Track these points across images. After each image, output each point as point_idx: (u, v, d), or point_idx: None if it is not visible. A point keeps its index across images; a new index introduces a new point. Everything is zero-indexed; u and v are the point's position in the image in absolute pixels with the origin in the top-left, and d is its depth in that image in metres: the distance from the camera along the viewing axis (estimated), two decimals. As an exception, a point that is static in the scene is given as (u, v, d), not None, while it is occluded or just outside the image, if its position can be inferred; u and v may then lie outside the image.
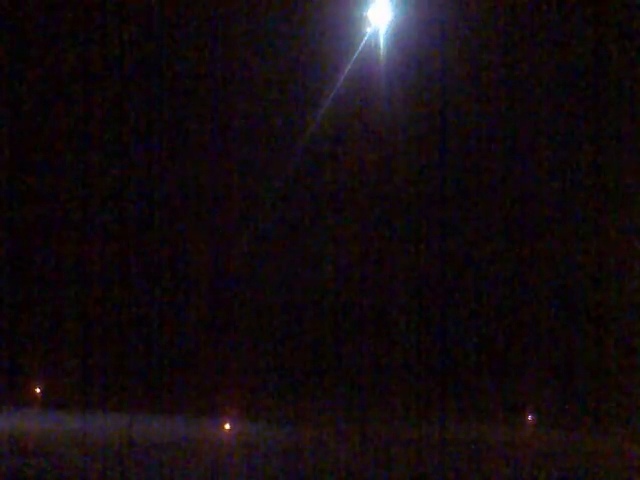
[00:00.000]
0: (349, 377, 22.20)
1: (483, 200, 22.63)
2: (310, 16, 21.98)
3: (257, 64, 22.42)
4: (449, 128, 22.46)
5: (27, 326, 22.46)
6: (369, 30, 21.86)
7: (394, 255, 22.62)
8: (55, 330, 22.48)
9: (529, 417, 21.92)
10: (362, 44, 21.86)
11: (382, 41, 21.97)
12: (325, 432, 19.63)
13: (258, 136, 22.71)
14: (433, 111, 22.49)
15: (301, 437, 19.26)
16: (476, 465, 16.67)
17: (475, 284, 22.60)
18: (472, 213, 22.53)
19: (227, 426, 20.05)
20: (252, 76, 22.58)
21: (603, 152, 22.39)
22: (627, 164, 22.08)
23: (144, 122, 22.76)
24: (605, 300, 22.15)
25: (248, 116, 22.71)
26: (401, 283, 22.62)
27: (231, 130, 22.91)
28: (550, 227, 22.52)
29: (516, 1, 22.24)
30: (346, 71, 21.96)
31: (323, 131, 22.43)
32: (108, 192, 22.73)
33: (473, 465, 16.72)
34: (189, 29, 22.70)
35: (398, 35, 21.99)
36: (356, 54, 21.91)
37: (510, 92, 22.72)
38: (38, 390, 22.36)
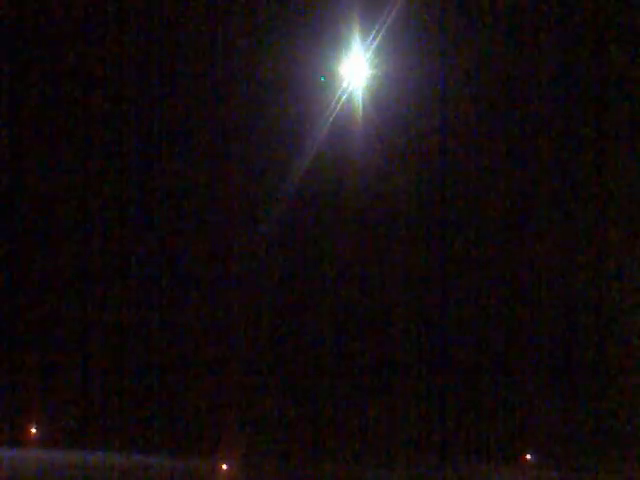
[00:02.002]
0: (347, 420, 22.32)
1: (482, 203, 22.66)
2: (281, 73, 21.53)
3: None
4: (434, 183, 22.25)
5: (22, 364, 22.56)
6: (344, 87, 21.45)
7: (394, 261, 22.72)
8: (51, 368, 22.59)
9: (528, 457, 21.97)
10: (337, 102, 21.47)
11: (358, 98, 21.58)
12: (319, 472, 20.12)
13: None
14: (416, 165, 22.24)
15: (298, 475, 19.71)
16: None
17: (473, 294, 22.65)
18: (472, 213, 22.56)
19: (224, 466, 20.47)
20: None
21: (603, 152, 22.25)
22: (627, 164, 21.96)
23: (136, 125, 22.73)
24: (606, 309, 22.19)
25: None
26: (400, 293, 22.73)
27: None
28: (550, 227, 22.49)
29: (499, 49, 21.69)
30: (322, 131, 21.64)
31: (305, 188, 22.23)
32: (108, 192, 22.79)
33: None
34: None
35: (375, 91, 21.57)
36: (332, 112, 21.56)
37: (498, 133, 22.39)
38: (34, 430, 22.54)
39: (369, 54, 21.22)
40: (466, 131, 22.18)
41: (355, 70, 21.41)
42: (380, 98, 21.59)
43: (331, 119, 21.61)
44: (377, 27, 20.78)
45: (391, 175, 22.01)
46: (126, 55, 22.31)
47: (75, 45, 22.24)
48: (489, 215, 22.39)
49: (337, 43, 21.12)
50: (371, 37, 20.93)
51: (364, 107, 21.56)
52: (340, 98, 21.44)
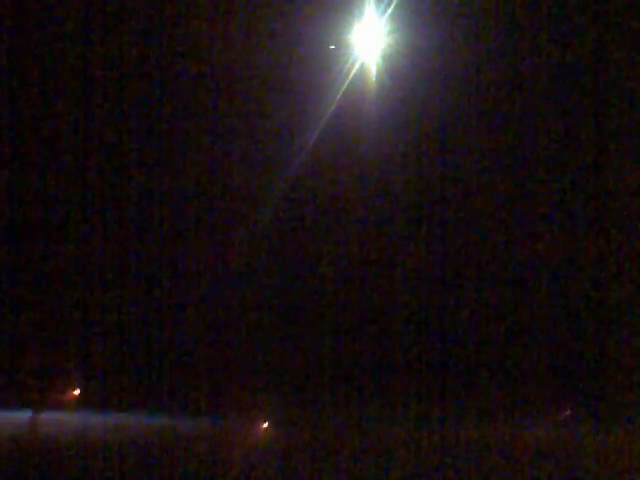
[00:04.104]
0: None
1: (483, 201, 21.60)
2: (286, 41, 19.75)
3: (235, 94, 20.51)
4: (448, 161, 20.58)
5: (64, 329, 21.98)
6: (356, 56, 19.51)
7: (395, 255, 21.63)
8: (89, 332, 21.92)
9: (567, 412, 21.49)
10: (348, 73, 19.52)
11: (372, 69, 19.59)
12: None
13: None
14: (430, 142, 20.45)
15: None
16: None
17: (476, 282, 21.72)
18: (472, 213, 21.56)
19: (265, 425, 20.49)
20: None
21: (603, 152, 21.36)
22: (628, 164, 21.28)
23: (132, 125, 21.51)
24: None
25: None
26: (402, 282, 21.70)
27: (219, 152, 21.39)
28: (550, 227, 21.71)
29: (518, 16, 19.96)
30: (332, 106, 19.68)
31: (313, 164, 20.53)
32: (107, 192, 21.71)
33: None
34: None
35: (391, 62, 19.61)
36: (342, 85, 19.59)
37: (516, 114, 20.76)
38: (76, 392, 22.30)
39: (384, 20, 19.42)
40: (490, 108, 20.46)
41: (368, 38, 19.49)
42: (396, 70, 19.74)
43: (341, 92, 19.73)
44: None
45: (405, 154, 20.27)
46: (123, 54, 21.12)
47: (73, 44, 21.17)
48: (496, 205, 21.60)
49: (348, 7, 19.24)
50: (386, 0, 19.06)
51: (378, 79, 19.69)
52: (351, 69, 19.59)
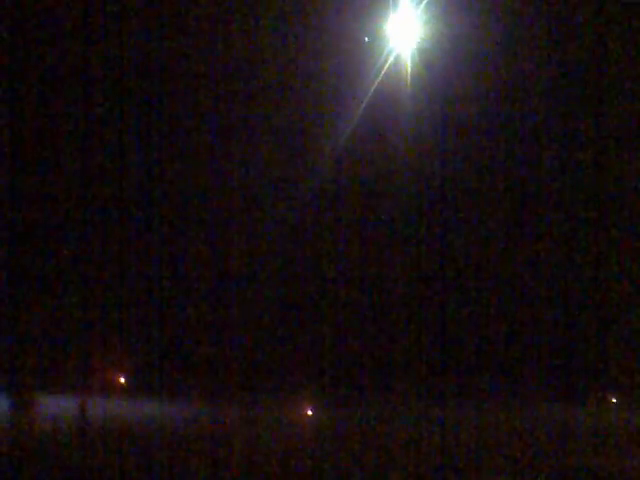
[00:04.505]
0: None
1: (484, 200, 21.26)
2: (320, 32, 19.58)
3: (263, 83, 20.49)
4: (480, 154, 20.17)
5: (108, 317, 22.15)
6: (391, 49, 19.22)
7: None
8: (134, 321, 22.12)
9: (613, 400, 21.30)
10: (383, 66, 19.25)
11: (407, 62, 19.27)
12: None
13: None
14: (468, 138, 20.04)
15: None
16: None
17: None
18: (472, 213, 21.23)
19: (309, 412, 20.46)
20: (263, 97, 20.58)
21: (604, 152, 21.03)
22: (628, 164, 20.98)
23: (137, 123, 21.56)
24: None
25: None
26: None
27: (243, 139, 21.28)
28: (550, 227, 21.41)
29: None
30: (365, 99, 19.44)
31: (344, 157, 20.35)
32: (107, 192, 21.76)
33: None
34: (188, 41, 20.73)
35: (426, 55, 19.27)
36: (377, 78, 19.33)
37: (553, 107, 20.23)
38: (122, 380, 22.49)
39: (420, 11, 19.11)
40: (526, 104, 19.88)
41: (403, 30, 19.19)
42: (431, 63, 19.41)
43: (375, 86, 19.46)
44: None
45: (439, 148, 19.90)
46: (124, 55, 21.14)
47: (72, 43, 21.34)
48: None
49: (383, -1, 19.01)
50: (422, -9, 18.81)
51: (413, 73, 19.35)
52: (386, 62, 19.29)
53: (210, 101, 20.81)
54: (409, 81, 19.37)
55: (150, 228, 21.55)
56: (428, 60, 19.37)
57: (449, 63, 19.42)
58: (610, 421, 20.54)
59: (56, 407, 21.39)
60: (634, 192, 20.89)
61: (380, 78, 19.34)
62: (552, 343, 21.20)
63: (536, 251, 21.15)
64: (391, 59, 19.28)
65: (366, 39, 19.23)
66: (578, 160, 20.68)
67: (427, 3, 18.92)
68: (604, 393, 21.25)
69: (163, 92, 20.91)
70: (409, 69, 19.33)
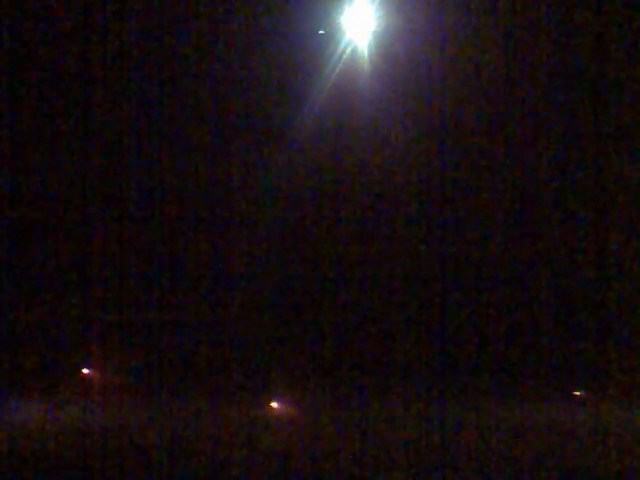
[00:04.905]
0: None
1: (483, 200, 21.14)
2: (274, 25, 19.70)
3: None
4: (444, 151, 20.07)
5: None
6: (347, 41, 19.27)
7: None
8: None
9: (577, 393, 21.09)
10: (339, 59, 19.29)
11: (363, 54, 19.31)
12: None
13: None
14: (427, 131, 19.97)
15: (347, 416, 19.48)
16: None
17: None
18: (472, 213, 21.12)
19: (274, 404, 20.25)
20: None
21: (604, 152, 20.90)
22: (628, 164, 20.84)
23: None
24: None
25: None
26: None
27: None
28: (550, 227, 21.19)
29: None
30: (322, 92, 19.47)
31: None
32: (106, 192, 21.63)
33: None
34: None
35: (383, 47, 19.31)
36: (333, 71, 19.37)
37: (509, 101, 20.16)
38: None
39: (376, 3, 19.19)
40: (483, 92, 19.85)
41: (360, 22, 19.30)
42: (388, 54, 19.44)
43: (332, 78, 19.50)
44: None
45: (397, 139, 19.84)
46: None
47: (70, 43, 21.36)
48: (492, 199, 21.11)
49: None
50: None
51: (370, 65, 19.41)
52: (342, 54, 19.35)
53: (164, 94, 20.94)
54: (366, 71, 19.44)
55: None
56: (385, 51, 19.43)
57: (406, 53, 19.47)
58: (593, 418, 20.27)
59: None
60: (634, 192, 20.86)
61: (338, 70, 19.42)
62: (552, 343, 20.99)
63: (536, 251, 21.06)
64: (348, 51, 19.38)
65: (321, 32, 19.31)
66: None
67: (382, -5, 19.03)
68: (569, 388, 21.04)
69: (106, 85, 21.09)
70: (366, 60, 19.40)
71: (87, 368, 21.83)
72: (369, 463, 17.35)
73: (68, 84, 21.36)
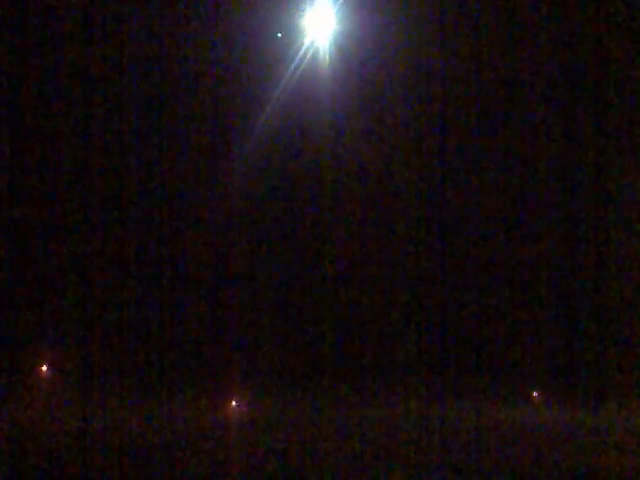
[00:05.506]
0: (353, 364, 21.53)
1: (481, 201, 21.50)
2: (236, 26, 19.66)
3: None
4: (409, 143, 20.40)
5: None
6: (307, 43, 19.36)
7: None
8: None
9: (535, 394, 21.48)
10: (300, 57, 19.37)
11: (325, 53, 19.43)
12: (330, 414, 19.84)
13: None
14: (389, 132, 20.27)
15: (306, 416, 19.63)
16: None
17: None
18: (472, 213, 21.47)
19: (233, 403, 20.36)
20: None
21: (604, 152, 21.25)
22: (628, 164, 21.20)
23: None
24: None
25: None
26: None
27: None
28: (550, 227, 21.59)
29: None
30: (284, 93, 19.54)
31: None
32: (106, 191, 21.43)
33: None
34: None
35: (343, 49, 19.45)
36: (294, 72, 19.45)
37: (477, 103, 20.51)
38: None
39: (336, 5, 19.27)
40: (444, 94, 20.18)
41: (320, 24, 19.36)
42: (348, 57, 19.56)
43: (293, 80, 19.58)
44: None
45: (359, 140, 20.08)
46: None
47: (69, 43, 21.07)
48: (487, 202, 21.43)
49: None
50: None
51: (330, 66, 19.54)
52: (303, 56, 19.42)
53: (120, 97, 20.78)
54: (326, 71, 19.57)
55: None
56: (345, 53, 19.56)
57: (367, 55, 19.64)
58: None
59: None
60: (634, 192, 21.11)
61: (299, 72, 19.50)
62: (552, 343, 21.36)
63: (536, 251, 21.40)
64: (309, 53, 19.45)
65: (279, 35, 19.34)
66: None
67: (342, -1, 19.12)
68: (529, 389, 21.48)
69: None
70: (327, 62, 19.51)
71: (45, 366, 21.92)
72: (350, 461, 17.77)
73: (68, 84, 21.04)
